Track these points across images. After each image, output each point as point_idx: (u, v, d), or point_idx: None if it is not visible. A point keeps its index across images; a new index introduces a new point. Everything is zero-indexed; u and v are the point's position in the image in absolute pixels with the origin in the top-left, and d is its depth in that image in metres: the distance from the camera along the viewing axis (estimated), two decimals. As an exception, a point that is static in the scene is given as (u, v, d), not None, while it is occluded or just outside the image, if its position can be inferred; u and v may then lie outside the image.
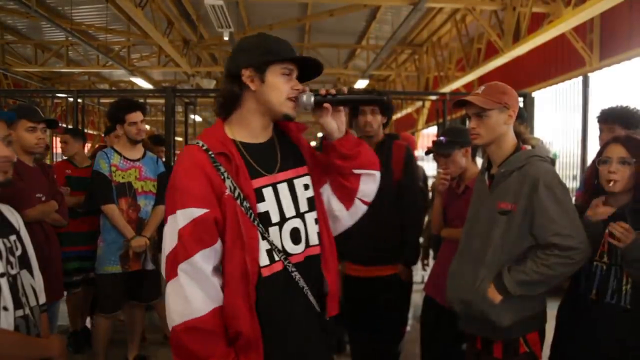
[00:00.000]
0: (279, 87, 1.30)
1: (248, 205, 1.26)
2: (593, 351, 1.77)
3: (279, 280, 1.29)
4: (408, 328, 4.00)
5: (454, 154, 2.39)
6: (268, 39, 1.35)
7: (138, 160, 3.08)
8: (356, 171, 1.42)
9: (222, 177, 1.25)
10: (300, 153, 1.42)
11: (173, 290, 1.23)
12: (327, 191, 1.47)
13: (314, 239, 1.37)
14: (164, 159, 4.10)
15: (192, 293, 1.20)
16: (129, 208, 3.00)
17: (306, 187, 1.39)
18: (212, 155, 1.26)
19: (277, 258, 1.28)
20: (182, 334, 1.21)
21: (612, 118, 2.58)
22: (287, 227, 1.32)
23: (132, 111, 3.01)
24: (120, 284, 2.98)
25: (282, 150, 1.39)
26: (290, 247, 1.32)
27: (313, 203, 1.39)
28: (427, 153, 2.69)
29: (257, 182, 1.30)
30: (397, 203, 2.68)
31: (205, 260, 1.22)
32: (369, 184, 1.46)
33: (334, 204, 1.47)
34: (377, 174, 1.47)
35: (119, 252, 2.95)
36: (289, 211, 1.33)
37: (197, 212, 1.22)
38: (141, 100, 8.08)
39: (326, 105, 1.35)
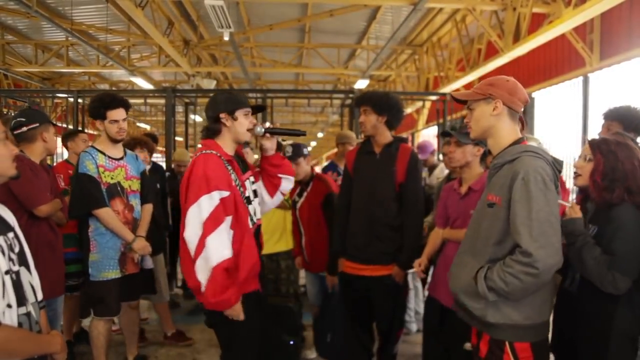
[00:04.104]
0: (243, 122, 2.12)
1: (242, 190, 2.11)
2: (560, 334, 1.97)
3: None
4: (414, 328, 4.02)
5: (467, 146, 2.40)
6: (232, 94, 2.19)
7: (121, 159, 2.95)
8: (280, 175, 2.31)
9: (230, 173, 2.06)
10: (244, 162, 2.28)
11: (215, 240, 1.92)
12: (260, 186, 2.32)
13: (258, 215, 2.24)
14: (153, 157, 4.01)
15: (227, 242, 1.97)
16: (125, 209, 2.89)
17: (252, 182, 2.26)
18: (224, 160, 2.07)
19: (251, 224, 2.13)
20: (219, 271, 1.91)
21: (612, 116, 2.59)
22: (253, 205, 2.19)
23: (114, 107, 2.81)
24: (118, 287, 2.88)
25: (240, 160, 2.25)
26: (255, 219, 2.19)
27: (256, 193, 2.28)
28: (443, 134, 2.71)
29: (244, 177, 2.18)
30: (398, 204, 2.70)
31: (227, 227, 1.99)
32: (287, 184, 2.37)
33: (264, 194, 2.34)
34: (292, 178, 2.39)
35: (117, 256, 2.85)
36: (252, 196, 2.22)
37: (225, 193, 1.98)
38: (141, 100, 8.12)
39: (267, 135, 2.22)
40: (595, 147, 1.90)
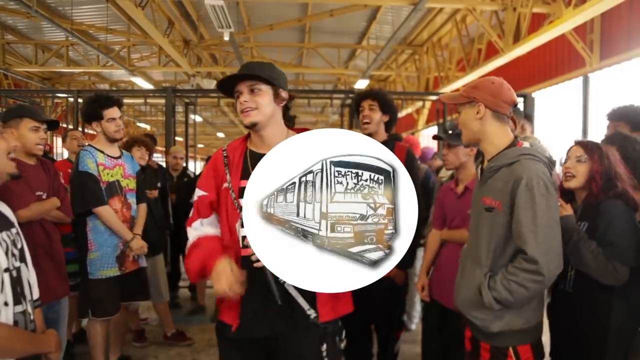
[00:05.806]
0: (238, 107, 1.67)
1: (234, 196, 1.63)
2: (557, 334, 2.02)
3: (248, 260, 1.58)
4: (413, 327, 4.02)
5: (459, 147, 2.39)
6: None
7: (119, 157, 2.99)
8: None
9: (227, 172, 1.67)
10: None
11: (190, 232, 1.69)
12: None
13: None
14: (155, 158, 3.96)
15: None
16: (123, 207, 2.91)
17: None
18: (225, 156, 1.70)
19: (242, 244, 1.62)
20: (190, 249, 1.65)
21: (619, 116, 2.56)
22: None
23: (110, 106, 2.86)
24: (116, 286, 2.88)
25: None
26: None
27: None
28: (434, 137, 2.70)
29: (244, 182, 1.58)
30: None
31: (199, 225, 1.68)
32: None
33: None
34: None
35: (115, 254, 2.86)
36: None
37: (200, 192, 1.70)
38: (141, 100, 8.11)
39: None
40: (593, 149, 1.93)
